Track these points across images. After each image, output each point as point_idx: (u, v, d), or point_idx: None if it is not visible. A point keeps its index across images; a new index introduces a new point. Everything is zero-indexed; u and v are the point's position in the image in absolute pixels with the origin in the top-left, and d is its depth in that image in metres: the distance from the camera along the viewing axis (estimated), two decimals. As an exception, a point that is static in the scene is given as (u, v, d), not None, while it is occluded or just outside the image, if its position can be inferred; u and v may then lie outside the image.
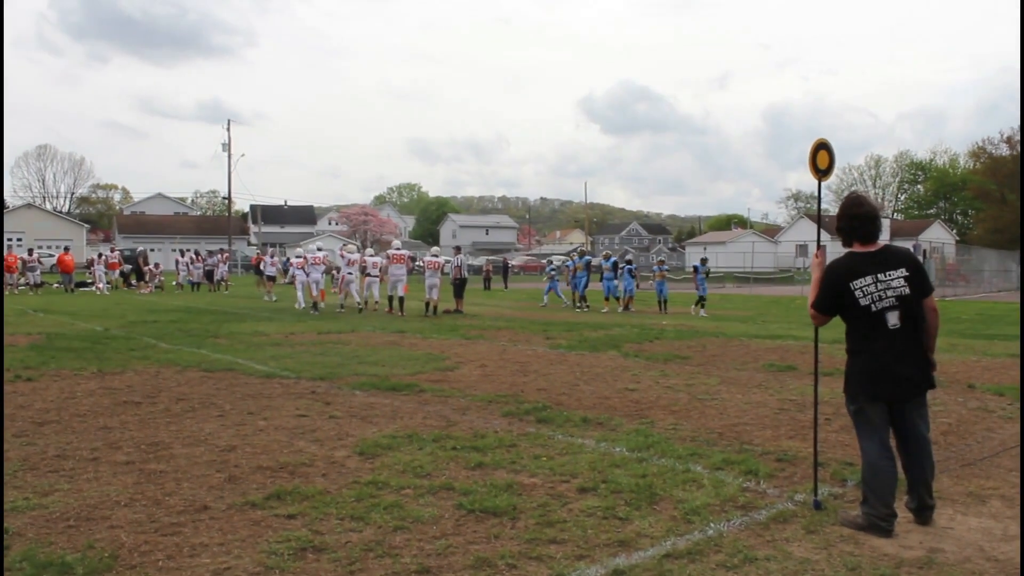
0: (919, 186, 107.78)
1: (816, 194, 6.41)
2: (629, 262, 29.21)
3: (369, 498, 5.52)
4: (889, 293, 5.01)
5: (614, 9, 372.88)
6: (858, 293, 5.03)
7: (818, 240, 5.93)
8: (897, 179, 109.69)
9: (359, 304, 25.25)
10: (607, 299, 27.38)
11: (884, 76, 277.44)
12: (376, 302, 25.35)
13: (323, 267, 26.46)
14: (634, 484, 5.86)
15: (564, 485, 5.92)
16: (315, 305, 24.95)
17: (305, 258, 26.51)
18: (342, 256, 26.29)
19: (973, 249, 55.26)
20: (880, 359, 5.00)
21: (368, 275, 25.16)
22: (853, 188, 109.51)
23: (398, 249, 25.02)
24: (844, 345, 5.26)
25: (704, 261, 27.44)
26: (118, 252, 41.67)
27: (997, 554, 4.62)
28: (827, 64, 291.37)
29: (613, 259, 28.16)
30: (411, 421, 8.13)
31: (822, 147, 5.85)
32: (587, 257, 29.23)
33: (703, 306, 25.91)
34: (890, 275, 5.05)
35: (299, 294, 26.53)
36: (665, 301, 26.83)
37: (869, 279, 5.04)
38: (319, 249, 27.76)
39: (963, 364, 12.80)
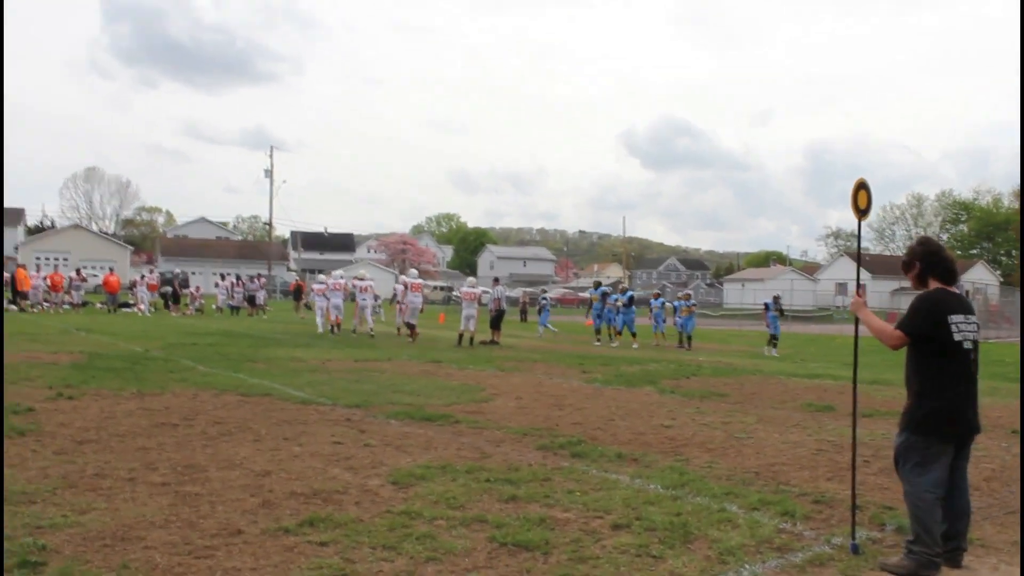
0: (962, 226, 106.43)
1: (856, 233, 6.36)
2: (657, 296, 29.35)
3: (402, 528, 5.52)
4: (971, 335, 5.01)
5: (658, 42, 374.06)
6: (953, 328, 5.01)
7: (858, 279, 5.88)
8: (939, 218, 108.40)
9: (370, 331, 26.28)
10: (619, 333, 27.44)
11: (928, 114, 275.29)
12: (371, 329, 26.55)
13: (342, 293, 27.55)
14: (668, 522, 5.81)
15: (598, 521, 5.88)
16: (332, 329, 26.23)
17: (326, 284, 27.62)
18: (354, 285, 27.65)
19: (1016, 291, 54.35)
20: (959, 400, 5.01)
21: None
22: (893, 226, 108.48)
23: (415, 278, 25.97)
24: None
25: (777, 299, 26.68)
26: (157, 274, 42.12)
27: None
28: (870, 101, 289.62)
29: (630, 293, 28.12)
30: (445, 452, 8.13)
31: (862, 187, 5.81)
32: (602, 289, 28.72)
33: (775, 345, 25.26)
34: (969, 319, 5.09)
35: (319, 319, 27.49)
36: (689, 337, 26.74)
37: (961, 317, 5.04)
38: (341, 276, 29.31)
39: (1006, 408, 12.56)
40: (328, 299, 27.09)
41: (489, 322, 25.44)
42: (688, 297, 29.09)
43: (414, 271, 28.46)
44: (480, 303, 25.13)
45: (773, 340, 25.30)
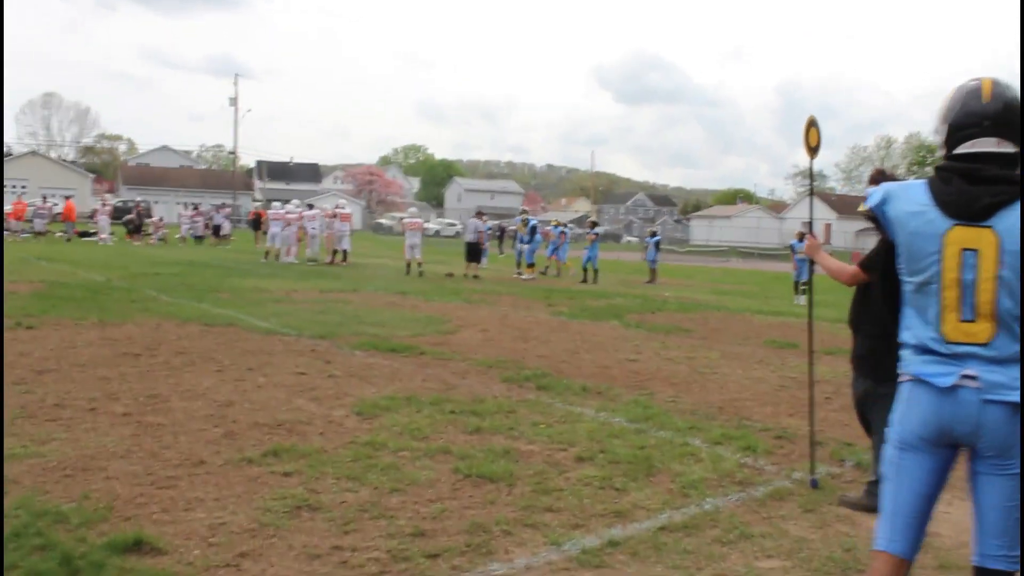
0: (928, 168, 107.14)
1: (809, 171, 6.29)
2: (654, 234, 28.96)
3: (366, 459, 5.51)
4: None
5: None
6: None
7: (811, 220, 5.84)
8: (906, 160, 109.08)
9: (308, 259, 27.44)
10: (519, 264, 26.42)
11: (901, 55, 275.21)
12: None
13: (282, 223, 28.49)
14: (632, 455, 5.85)
15: (562, 453, 5.91)
16: (266, 254, 28.18)
17: (277, 214, 29.11)
18: (335, 214, 28.28)
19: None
20: None
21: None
22: (860, 168, 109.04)
23: (414, 217, 26.31)
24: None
25: (803, 237, 23.22)
26: (110, 205, 40.90)
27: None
28: (845, 39, 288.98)
29: (532, 222, 26.70)
30: (410, 383, 8.12)
31: (812, 125, 5.70)
32: (533, 222, 27.13)
33: (804, 292, 20.81)
34: None
35: (268, 243, 28.91)
36: (595, 271, 25.93)
37: None
38: (283, 206, 30.22)
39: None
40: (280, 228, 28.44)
41: (466, 254, 25.44)
42: (595, 225, 28.76)
43: (414, 209, 30.09)
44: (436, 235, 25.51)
45: (802, 287, 21.20)
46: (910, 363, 2.82)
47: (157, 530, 4.19)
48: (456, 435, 6.26)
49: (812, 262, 5.30)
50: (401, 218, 28.12)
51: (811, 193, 6.37)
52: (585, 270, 25.71)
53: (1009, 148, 2.78)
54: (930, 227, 2.73)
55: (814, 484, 5.42)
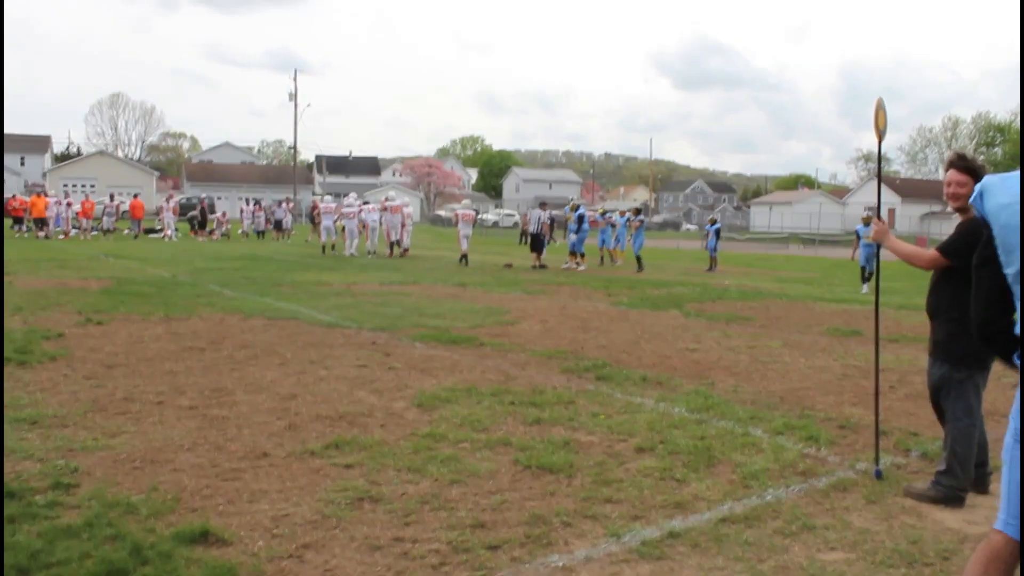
0: (997, 148, 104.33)
1: (877, 155, 6.11)
2: (714, 222, 28.70)
3: (426, 450, 5.56)
4: None
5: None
6: None
7: (879, 206, 5.67)
8: (974, 141, 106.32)
9: (368, 251, 27.96)
10: (572, 254, 25.54)
11: (968, 30, 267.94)
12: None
13: (333, 216, 29.24)
14: (692, 446, 5.81)
15: (622, 444, 5.89)
16: (323, 248, 28.58)
17: (328, 207, 29.92)
18: (384, 207, 28.72)
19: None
20: None
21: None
22: (926, 150, 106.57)
23: (467, 208, 26.94)
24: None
25: (868, 222, 19.23)
26: (175, 200, 41.65)
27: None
28: (909, 16, 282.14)
29: (580, 211, 25.90)
30: (470, 375, 8.16)
31: (880, 107, 5.57)
32: (581, 210, 26.16)
33: (868, 279, 19.97)
34: None
35: (322, 238, 29.42)
36: (638, 258, 25.45)
37: None
38: (330, 199, 31.91)
39: None
40: (329, 221, 29.20)
41: (530, 245, 25.57)
42: (638, 212, 28.53)
43: (467, 201, 30.50)
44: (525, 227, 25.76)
45: (869, 274, 19.94)
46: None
47: (222, 521, 4.27)
48: (516, 426, 6.28)
49: (879, 248, 5.20)
50: (454, 209, 28.43)
51: (879, 177, 6.22)
52: (639, 259, 25.46)
53: None
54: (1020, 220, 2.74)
55: (878, 475, 5.33)
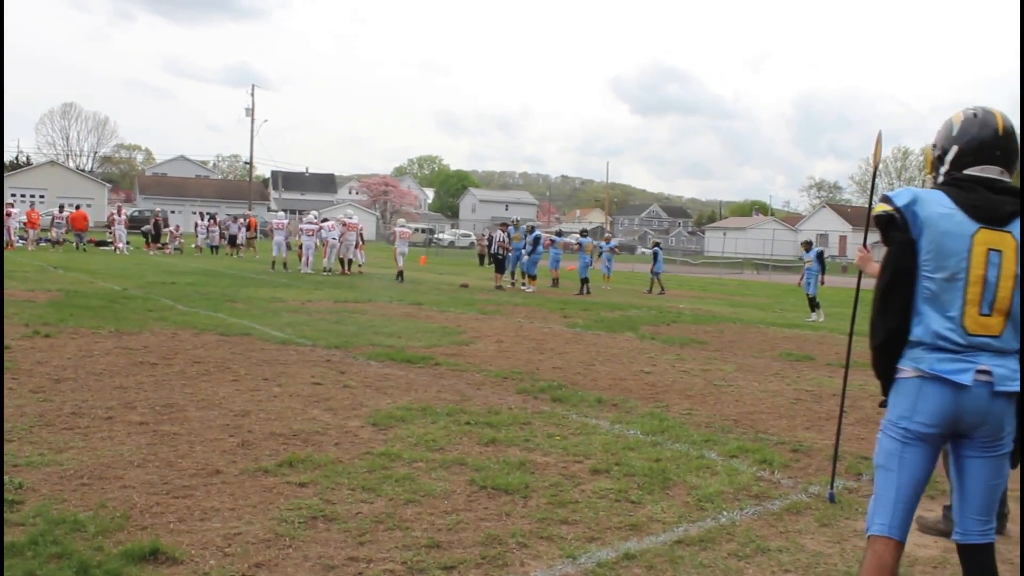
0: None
1: (871, 186, 6.04)
2: (656, 244, 29.08)
3: (381, 469, 5.51)
4: None
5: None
6: None
7: (866, 234, 5.51)
8: (922, 172, 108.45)
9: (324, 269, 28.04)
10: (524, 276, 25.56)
11: (918, 65, 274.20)
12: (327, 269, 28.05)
13: (285, 232, 29.59)
14: (647, 468, 5.83)
15: (577, 465, 5.90)
16: (272, 264, 28.85)
17: (281, 223, 30.03)
18: (343, 223, 28.79)
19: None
20: None
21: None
22: (877, 179, 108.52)
23: (404, 227, 28.12)
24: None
25: (809, 247, 20.69)
26: (125, 214, 40.80)
27: (1014, 558, 4.56)
28: (864, 50, 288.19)
29: (536, 233, 25.84)
30: (425, 394, 8.12)
31: (879, 141, 5.57)
32: (536, 232, 26.02)
33: (816, 308, 19.55)
34: None
35: (273, 253, 29.39)
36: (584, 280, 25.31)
37: None
38: (282, 216, 31.44)
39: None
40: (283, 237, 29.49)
41: (495, 266, 26.31)
42: (608, 239, 30.08)
43: (402, 220, 30.55)
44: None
45: (816, 302, 19.62)
46: (921, 360, 3.03)
47: (173, 540, 4.19)
48: (471, 446, 6.26)
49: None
50: (393, 228, 28.96)
51: (869, 208, 6.18)
52: (584, 281, 25.28)
53: (1007, 179, 3.15)
54: (959, 228, 3.00)
55: (832, 498, 5.38)
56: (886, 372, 3.15)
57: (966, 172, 3.16)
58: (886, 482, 3.10)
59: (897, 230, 3.10)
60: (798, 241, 79.92)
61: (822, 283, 19.56)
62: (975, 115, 3.21)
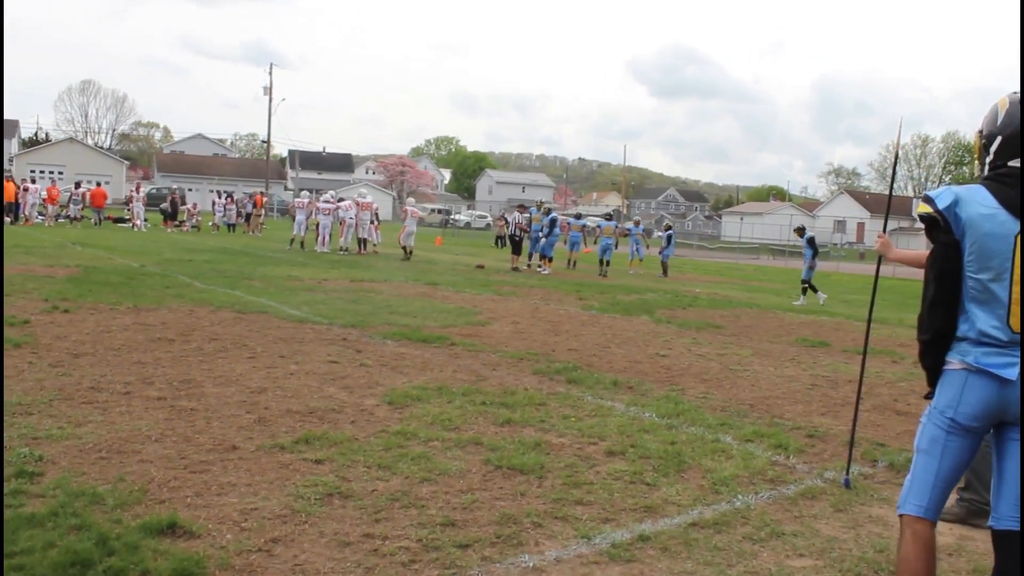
0: (964, 168, 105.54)
1: (891, 174, 6.01)
2: (669, 227, 29.09)
3: (397, 448, 5.54)
4: None
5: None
6: None
7: (886, 221, 5.43)
8: (943, 160, 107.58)
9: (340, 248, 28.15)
10: (543, 258, 25.63)
11: (941, 50, 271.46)
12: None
13: (306, 212, 29.67)
14: (663, 451, 5.83)
15: (592, 447, 5.90)
16: (290, 242, 28.69)
17: (302, 203, 30.38)
18: (356, 203, 28.96)
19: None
20: None
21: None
22: (896, 166, 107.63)
23: (413, 206, 28.33)
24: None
25: (802, 233, 20.89)
26: (144, 192, 40.98)
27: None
28: (885, 34, 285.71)
29: (553, 215, 26.04)
30: (441, 373, 8.14)
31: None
32: (553, 214, 26.31)
33: (805, 291, 19.63)
34: None
35: (293, 232, 29.43)
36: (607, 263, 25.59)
37: None
38: (305, 195, 31.89)
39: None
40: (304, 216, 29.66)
41: (511, 247, 26.48)
42: (638, 223, 30.09)
43: (412, 199, 30.96)
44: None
45: (804, 286, 19.73)
46: (968, 353, 3.07)
47: (190, 514, 4.23)
48: (487, 426, 6.27)
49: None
50: (404, 207, 28.88)
51: (890, 195, 6.20)
52: (606, 263, 25.54)
53: None
54: (1003, 228, 2.97)
55: (847, 484, 5.37)
56: (934, 365, 3.18)
57: (1011, 164, 3.07)
58: (926, 465, 3.16)
59: (940, 231, 3.08)
60: (814, 227, 79.56)
61: (812, 267, 19.66)
62: (1017, 100, 3.10)
